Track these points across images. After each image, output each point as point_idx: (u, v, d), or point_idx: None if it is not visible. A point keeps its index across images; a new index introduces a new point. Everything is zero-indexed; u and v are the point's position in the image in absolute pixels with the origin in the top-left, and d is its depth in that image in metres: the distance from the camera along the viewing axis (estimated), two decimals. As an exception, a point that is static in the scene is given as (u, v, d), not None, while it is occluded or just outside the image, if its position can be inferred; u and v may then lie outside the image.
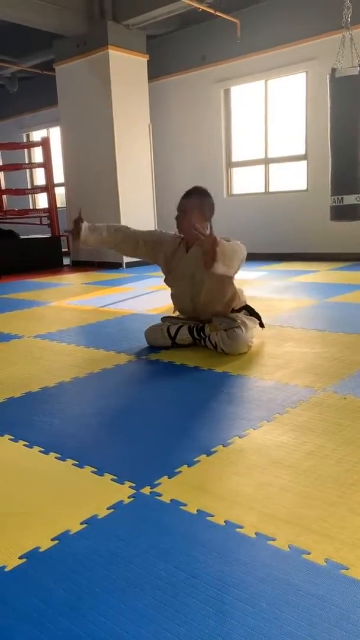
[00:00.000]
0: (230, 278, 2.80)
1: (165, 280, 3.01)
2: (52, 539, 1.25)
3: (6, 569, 1.15)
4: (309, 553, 1.16)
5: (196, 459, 1.61)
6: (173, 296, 3.03)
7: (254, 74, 7.20)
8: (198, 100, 7.84)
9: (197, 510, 1.34)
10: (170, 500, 1.39)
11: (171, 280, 2.97)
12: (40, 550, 1.21)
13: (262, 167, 7.56)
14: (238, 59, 7.25)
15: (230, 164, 7.82)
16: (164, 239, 2.97)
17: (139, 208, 7.43)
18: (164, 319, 3.03)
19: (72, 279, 6.47)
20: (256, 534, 1.23)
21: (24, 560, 1.18)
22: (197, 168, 8.00)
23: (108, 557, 1.18)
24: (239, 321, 2.78)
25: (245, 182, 7.82)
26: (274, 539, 1.21)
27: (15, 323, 3.80)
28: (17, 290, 5.62)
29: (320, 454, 1.62)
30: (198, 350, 2.83)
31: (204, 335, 2.83)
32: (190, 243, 2.85)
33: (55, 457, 1.68)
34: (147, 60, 7.30)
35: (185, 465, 1.57)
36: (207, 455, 1.64)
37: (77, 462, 1.63)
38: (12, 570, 1.15)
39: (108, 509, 1.37)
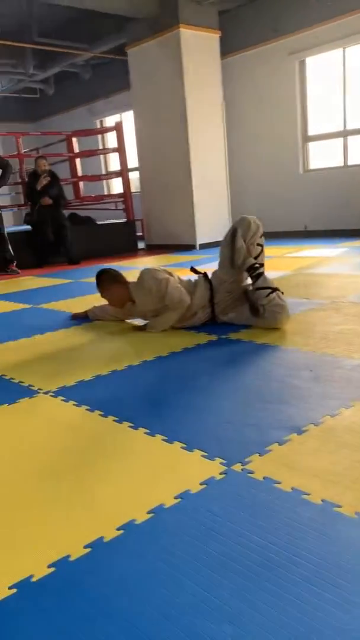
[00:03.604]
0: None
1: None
2: (148, 512, 1.26)
3: (105, 540, 1.18)
4: None
5: (287, 438, 1.58)
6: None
7: (331, 43, 6.86)
8: (271, 74, 7.61)
9: (292, 489, 1.31)
10: (263, 477, 1.37)
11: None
12: (137, 522, 1.23)
13: (340, 140, 7.25)
14: (313, 27, 6.93)
15: (306, 138, 7.56)
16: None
17: (213, 188, 7.36)
18: None
19: (148, 262, 6.53)
20: (356, 513, 1.19)
21: (121, 532, 1.20)
22: (272, 144, 7.80)
23: (204, 532, 1.17)
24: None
25: (323, 156, 7.53)
26: (376, 520, 1.16)
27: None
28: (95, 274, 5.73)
29: None
30: (284, 329, 2.76)
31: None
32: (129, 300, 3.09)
33: (145, 433, 1.70)
34: (219, 37, 7.15)
35: (276, 444, 1.54)
36: (298, 434, 1.59)
37: (166, 438, 1.64)
38: (110, 540, 1.18)
39: (200, 484, 1.36)
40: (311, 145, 7.58)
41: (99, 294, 3.17)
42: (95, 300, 3.46)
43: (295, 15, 7.10)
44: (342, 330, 2.66)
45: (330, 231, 7.16)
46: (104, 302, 3.25)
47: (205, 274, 2.98)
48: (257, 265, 2.80)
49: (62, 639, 0.92)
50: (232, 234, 2.80)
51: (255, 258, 2.81)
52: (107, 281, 3.10)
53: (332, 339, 2.53)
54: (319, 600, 0.95)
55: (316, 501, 1.25)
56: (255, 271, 2.79)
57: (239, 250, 2.77)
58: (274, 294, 2.74)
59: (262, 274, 2.79)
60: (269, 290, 2.74)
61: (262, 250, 2.85)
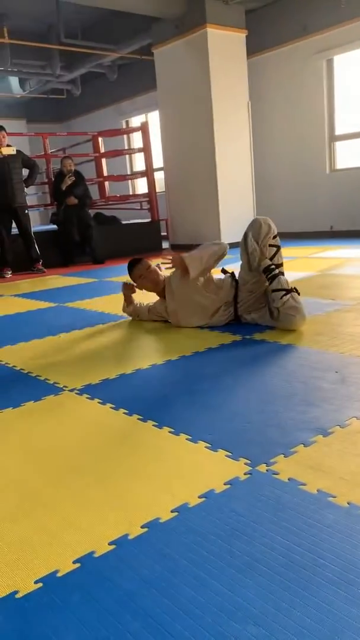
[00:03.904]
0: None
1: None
2: (172, 511, 1.26)
3: (129, 537, 1.18)
4: None
5: (312, 439, 1.56)
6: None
7: (359, 41, 6.78)
8: (298, 73, 7.54)
9: (318, 490, 1.30)
10: (288, 479, 1.36)
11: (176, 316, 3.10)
12: (161, 521, 1.23)
13: (368, 139, 7.15)
14: (342, 25, 6.85)
15: (333, 138, 7.48)
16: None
17: (238, 188, 7.34)
18: None
19: (172, 262, 6.54)
20: (383, 517, 1.17)
21: (146, 529, 1.21)
22: (298, 144, 7.73)
23: (228, 532, 1.17)
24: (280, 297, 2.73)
25: (350, 155, 7.43)
26: None
27: (119, 304, 3.90)
28: (120, 273, 5.77)
29: None
30: (309, 330, 2.74)
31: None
32: (159, 293, 3.20)
33: (169, 432, 1.70)
34: (246, 36, 7.12)
35: (302, 445, 1.53)
36: (324, 436, 1.58)
37: (190, 437, 1.64)
38: (135, 538, 1.18)
39: (225, 484, 1.36)
40: (338, 144, 7.50)
41: (122, 293, 3.20)
42: (119, 299, 3.48)
43: (323, 14, 7.03)
44: (369, 331, 2.63)
45: (356, 231, 7.07)
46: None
47: (232, 273, 2.99)
48: (272, 266, 2.78)
49: (86, 634, 0.93)
50: (244, 238, 2.81)
51: (271, 259, 2.79)
52: (144, 264, 3.20)
53: (359, 340, 2.50)
54: (343, 603, 0.94)
55: (342, 504, 1.24)
56: (271, 273, 2.77)
57: (252, 253, 2.77)
58: (288, 296, 2.71)
59: (277, 275, 2.76)
60: (284, 292, 2.72)
61: (277, 251, 2.82)
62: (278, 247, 2.83)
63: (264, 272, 2.79)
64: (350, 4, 6.63)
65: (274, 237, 2.82)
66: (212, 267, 2.98)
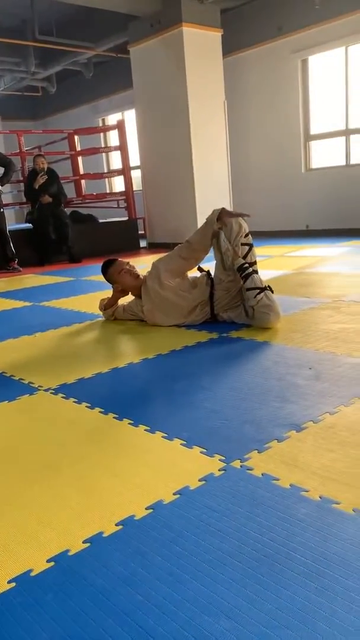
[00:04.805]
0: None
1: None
2: (147, 508, 1.27)
3: (104, 535, 1.18)
4: None
5: (286, 435, 1.58)
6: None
7: (334, 41, 6.87)
8: (274, 73, 7.61)
9: (290, 485, 1.31)
10: (262, 474, 1.38)
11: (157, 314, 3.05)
12: (136, 518, 1.24)
13: (342, 138, 7.24)
14: (316, 26, 6.94)
15: (308, 137, 7.56)
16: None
17: (215, 187, 7.36)
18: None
19: (149, 260, 6.53)
20: (354, 510, 1.19)
21: (121, 527, 1.21)
22: (274, 143, 7.80)
23: (203, 528, 1.18)
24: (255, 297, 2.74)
25: (325, 155, 7.53)
26: (373, 516, 1.16)
27: (96, 304, 3.89)
28: (97, 272, 5.75)
29: None
30: (284, 327, 2.77)
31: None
32: (135, 292, 3.17)
33: (145, 430, 1.70)
34: (221, 35, 7.15)
35: (275, 441, 1.55)
36: (297, 431, 1.60)
37: (166, 435, 1.65)
38: (109, 536, 1.18)
39: (199, 480, 1.37)
40: (313, 144, 7.58)
41: (100, 292, 3.18)
42: (95, 298, 3.46)
43: (298, 14, 7.10)
44: (343, 328, 2.67)
45: (331, 230, 7.16)
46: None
47: (208, 272, 3.00)
48: (246, 265, 2.80)
49: (61, 633, 0.93)
50: (217, 237, 2.83)
51: (244, 257, 2.81)
52: (118, 264, 3.18)
53: (333, 337, 2.54)
54: (315, 595, 0.96)
55: (314, 498, 1.25)
56: (245, 271, 2.79)
57: (225, 253, 2.80)
58: (262, 295, 2.74)
59: (250, 273, 2.78)
60: (257, 291, 2.74)
61: (249, 249, 2.84)
62: (250, 246, 2.85)
63: (238, 270, 2.81)
64: (324, 5, 6.70)
65: (246, 235, 2.84)
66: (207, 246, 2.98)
